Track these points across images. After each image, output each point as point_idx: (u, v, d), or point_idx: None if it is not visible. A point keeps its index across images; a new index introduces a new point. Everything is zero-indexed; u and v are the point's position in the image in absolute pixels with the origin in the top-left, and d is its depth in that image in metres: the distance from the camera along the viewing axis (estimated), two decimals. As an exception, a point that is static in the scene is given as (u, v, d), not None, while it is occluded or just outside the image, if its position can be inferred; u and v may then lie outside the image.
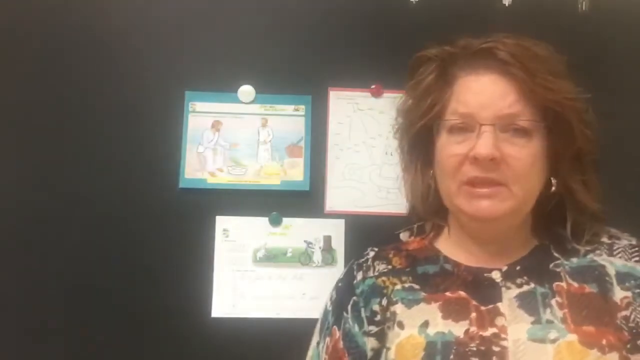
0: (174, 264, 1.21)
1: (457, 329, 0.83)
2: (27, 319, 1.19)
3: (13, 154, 1.23)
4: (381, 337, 0.89)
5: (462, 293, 0.86)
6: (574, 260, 0.87)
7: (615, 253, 0.87)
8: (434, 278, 0.90)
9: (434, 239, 0.97)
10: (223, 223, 1.23)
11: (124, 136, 1.24)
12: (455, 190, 0.85)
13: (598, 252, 0.88)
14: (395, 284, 0.91)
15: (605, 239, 0.89)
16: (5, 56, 1.25)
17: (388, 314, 0.88)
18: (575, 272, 0.86)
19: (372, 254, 0.99)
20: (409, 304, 0.88)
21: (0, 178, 1.22)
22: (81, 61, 1.25)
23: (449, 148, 0.86)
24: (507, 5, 1.28)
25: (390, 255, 0.97)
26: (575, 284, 0.84)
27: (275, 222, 1.24)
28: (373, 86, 1.27)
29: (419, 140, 0.94)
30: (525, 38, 0.89)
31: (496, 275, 0.87)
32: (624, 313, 0.81)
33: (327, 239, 1.23)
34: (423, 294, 0.88)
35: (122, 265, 1.21)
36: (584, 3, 1.29)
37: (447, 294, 0.87)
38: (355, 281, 0.96)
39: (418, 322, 0.85)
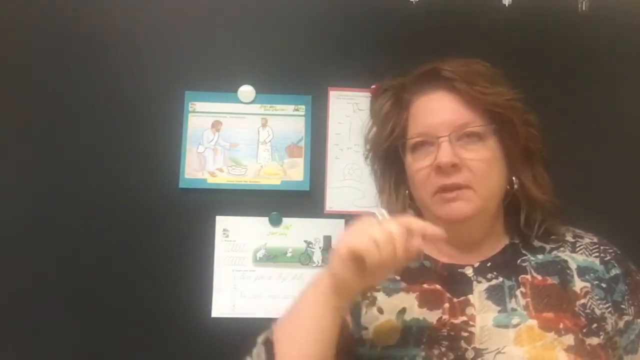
0: (174, 264, 1.21)
1: (431, 317, 0.91)
2: (27, 319, 1.19)
3: (13, 154, 1.23)
4: (360, 315, 0.96)
5: (437, 286, 0.94)
6: (540, 256, 0.96)
7: (577, 250, 0.96)
8: (413, 272, 0.97)
9: None
10: (223, 223, 1.23)
11: (124, 136, 1.24)
12: (429, 200, 0.94)
13: (562, 249, 0.97)
14: None
15: (569, 238, 0.98)
16: (6, 57, 1.25)
17: (370, 298, 0.96)
18: (540, 266, 0.94)
19: None
20: (389, 292, 0.96)
21: (0, 178, 1.22)
22: (81, 61, 1.25)
23: (415, 164, 0.95)
24: (507, 5, 1.28)
25: None
26: (539, 277, 0.93)
27: (275, 222, 1.24)
28: (373, 86, 1.27)
29: (388, 163, 1.02)
30: (463, 58, 0.97)
31: (468, 271, 0.95)
32: (582, 301, 0.90)
33: (327, 239, 1.24)
34: (403, 284, 0.96)
35: (122, 265, 1.21)
36: (584, 3, 1.29)
37: (424, 286, 0.95)
38: None
39: (396, 309, 0.93)
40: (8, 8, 1.26)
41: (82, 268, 1.21)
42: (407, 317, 0.92)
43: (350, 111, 1.27)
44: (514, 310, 0.89)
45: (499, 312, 0.90)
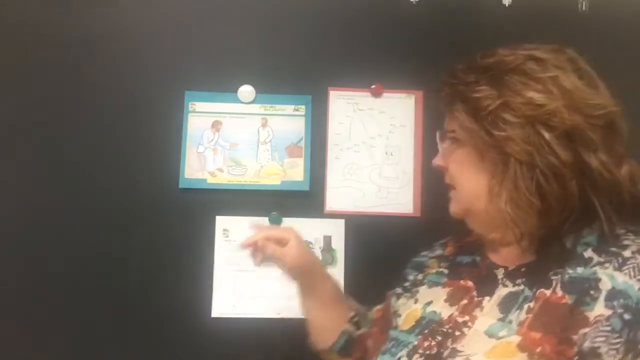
0: (174, 264, 1.21)
1: (446, 312, 0.90)
2: (27, 319, 1.19)
3: (13, 154, 1.23)
4: (400, 305, 0.99)
5: (470, 283, 0.92)
6: (579, 269, 0.83)
7: (624, 268, 0.81)
8: (462, 267, 0.96)
9: None
10: (223, 223, 1.23)
11: (124, 136, 1.24)
12: None
13: (607, 264, 0.82)
14: (434, 268, 1.00)
15: (627, 253, 0.83)
16: (6, 56, 1.25)
17: (414, 289, 0.98)
18: (568, 282, 0.83)
19: (445, 240, 1.06)
20: (432, 285, 0.97)
21: (0, 178, 1.22)
22: (81, 61, 1.25)
23: None
24: (507, 5, 1.28)
25: (449, 244, 1.04)
26: (559, 293, 0.82)
27: (275, 222, 1.24)
28: (373, 86, 1.27)
29: None
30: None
31: (500, 273, 0.91)
32: (585, 330, 0.77)
33: (327, 239, 1.23)
34: (445, 279, 0.96)
35: (122, 265, 1.21)
36: (584, 3, 1.29)
37: (461, 282, 0.93)
38: (416, 258, 1.05)
39: (426, 300, 0.94)
40: (8, 8, 1.26)
41: (82, 268, 1.21)
42: (429, 309, 0.92)
43: (350, 111, 1.27)
44: (509, 322, 0.82)
45: (499, 319, 0.84)
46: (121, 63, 1.26)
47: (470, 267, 0.95)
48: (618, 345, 0.75)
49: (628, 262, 0.81)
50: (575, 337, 0.77)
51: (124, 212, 1.22)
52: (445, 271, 0.97)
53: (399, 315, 0.96)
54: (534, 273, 0.86)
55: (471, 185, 0.90)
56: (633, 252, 0.82)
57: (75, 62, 1.25)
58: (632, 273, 0.80)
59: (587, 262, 0.83)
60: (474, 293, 0.90)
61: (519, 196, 0.84)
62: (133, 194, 1.23)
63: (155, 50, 1.26)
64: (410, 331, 0.91)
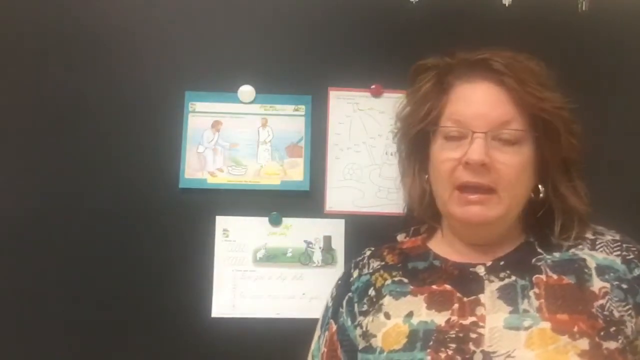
0: (174, 264, 1.21)
1: (439, 319, 0.88)
2: (27, 319, 1.19)
3: (13, 154, 1.23)
4: (367, 324, 0.95)
5: (447, 286, 0.91)
6: (557, 254, 0.91)
7: (597, 247, 0.92)
8: (422, 273, 0.95)
9: (427, 239, 1.02)
10: (223, 223, 1.23)
11: (124, 136, 1.24)
12: (448, 196, 0.91)
13: (580, 247, 0.92)
14: (386, 279, 0.97)
15: (589, 235, 0.94)
16: (5, 56, 1.25)
17: (376, 306, 0.94)
18: (556, 265, 0.90)
19: (368, 252, 1.05)
20: (397, 295, 0.94)
21: (0, 178, 1.22)
22: (81, 61, 1.25)
23: (444, 153, 0.92)
24: (507, 5, 1.28)
25: (385, 253, 1.03)
26: (555, 276, 0.89)
27: (275, 222, 1.24)
28: (373, 86, 1.27)
29: (416, 145, 0.99)
30: (519, 53, 0.94)
31: (480, 270, 0.92)
32: (600, 302, 0.86)
33: (327, 239, 1.23)
34: (410, 287, 0.94)
35: (122, 265, 1.21)
36: (584, 3, 1.29)
37: (434, 286, 0.92)
38: (351, 279, 1.02)
39: (403, 312, 0.91)
40: (7, 8, 1.26)
41: (82, 268, 1.21)
42: (415, 320, 0.89)
43: (350, 111, 1.27)
44: (526, 311, 0.85)
45: (510, 312, 0.86)
46: (121, 63, 1.26)
47: (432, 271, 0.95)
48: (630, 311, 0.86)
49: (597, 242, 0.92)
50: (593, 310, 0.85)
51: (124, 212, 1.22)
52: (405, 280, 0.95)
53: (374, 336, 0.91)
54: (515, 264, 0.91)
55: (523, 189, 0.91)
56: (593, 234, 0.93)
57: (74, 62, 1.25)
58: (607, 250, 0.91)
59: (558, 248, 0.92)
60: (458, 295, 0.90)
61: (585, 199, 0.96)
62: (133, 194, 1.23)
63: (155, 50, 1.26)
64: (409, 348, 0.87)
